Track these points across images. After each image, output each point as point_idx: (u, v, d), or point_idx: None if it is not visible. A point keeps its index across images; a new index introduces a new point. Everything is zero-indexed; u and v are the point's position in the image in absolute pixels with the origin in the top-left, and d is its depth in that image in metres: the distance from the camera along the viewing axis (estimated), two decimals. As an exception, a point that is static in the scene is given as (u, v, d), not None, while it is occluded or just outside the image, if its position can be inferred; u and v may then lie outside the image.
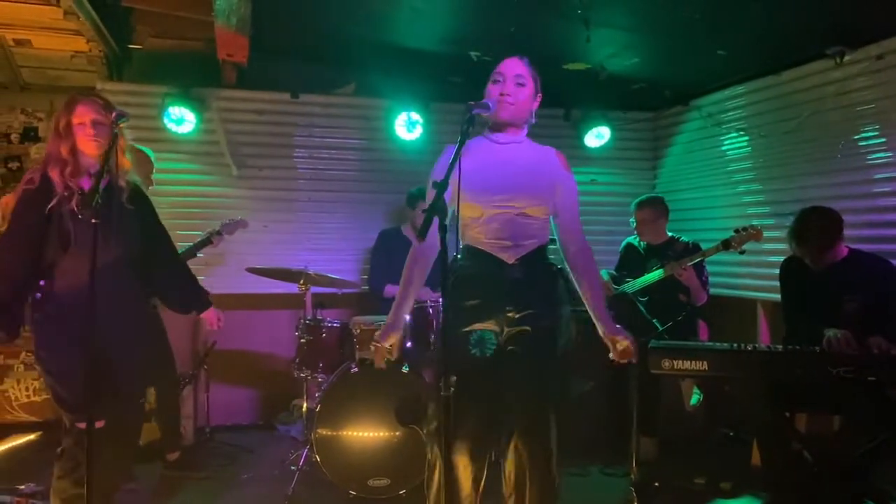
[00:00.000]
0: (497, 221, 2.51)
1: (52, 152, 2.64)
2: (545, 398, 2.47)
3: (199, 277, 4.49)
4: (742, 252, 3.95)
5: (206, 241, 4.32)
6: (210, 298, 3.16)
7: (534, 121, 2.66)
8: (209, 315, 3.16)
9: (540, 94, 2.63)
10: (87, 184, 2.64)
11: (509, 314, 2.52)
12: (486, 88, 2.58)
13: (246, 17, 3.91)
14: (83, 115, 2.63)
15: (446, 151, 2.64)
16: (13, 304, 2.60)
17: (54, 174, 2.61)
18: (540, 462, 2.46)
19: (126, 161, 2.77)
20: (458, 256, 2.64)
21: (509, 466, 2.54)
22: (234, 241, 4.49)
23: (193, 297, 3.12)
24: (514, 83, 2.53)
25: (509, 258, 2.53)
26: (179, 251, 4.16)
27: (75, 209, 2.57)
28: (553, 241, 2.71)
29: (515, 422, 2.49)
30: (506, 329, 2.53)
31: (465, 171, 2.36)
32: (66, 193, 2.59)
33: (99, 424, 2.57)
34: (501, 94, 2.51)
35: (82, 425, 2.53)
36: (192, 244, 4.29)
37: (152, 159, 4.09)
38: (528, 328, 2.50)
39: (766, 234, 3.96)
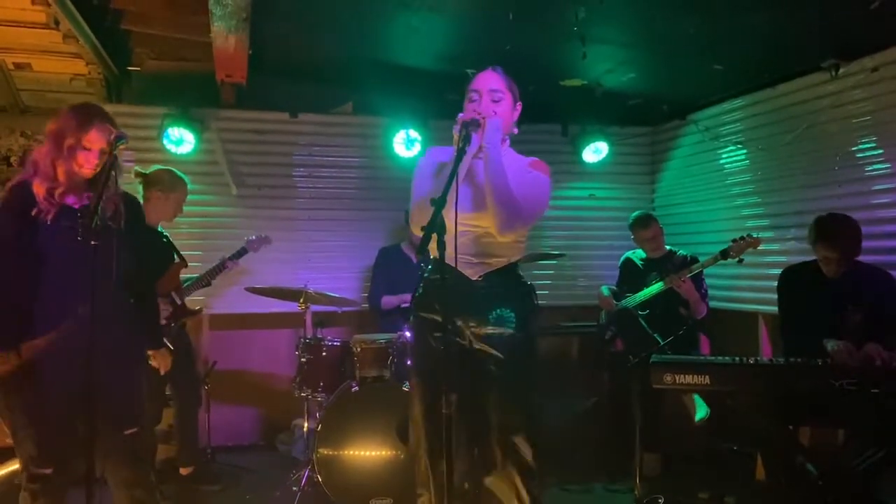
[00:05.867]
0: (464, 237, 2.49)
1: (45, 169, 2.48)
2: (515, 416, 2.48)
3: (198, 297, 4.54)
4: (741, 261, 3.95)
5: (220, 268, 4.31)
6: (164, 341, 2.97)
7: (516, 131, 2.62)
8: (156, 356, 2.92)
9: (520, 104, 2.61)
10: (72, 201, 2.51)
11: (473, 329, 2.52)
12: (464, 105, 2.56)
13: (244, 37, 3.93)
14: (94, 143, 2.49)
15: (428, 154, 2.66)
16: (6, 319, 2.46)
17: (39, 190, 2.46)
18: (517, 479, 2.46)
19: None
20: (428, 267, 2.64)
21: (488, 484, 2.53)
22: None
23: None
24: (490, 100, 2.51)
25: (473, 274, 2.53)
26: (188, 281, 4.19)
27: (49, 223, 2.44)
28: (526, 257, 2.71)
29: (490, 439, 2.49)
30: (472, 343, 2.53)
31: (437, 187, 2.34)
32: (47, 207, 2.45)
33: (46, 471, 2.44)
34: (479, 115, 2.44)
35: (46, 471, 2.43)
36: (198, 275, 4.28)
37: (187, 187, 4.08)
38: (492, 345, 2.49)
39: (765, 246, 3.96)
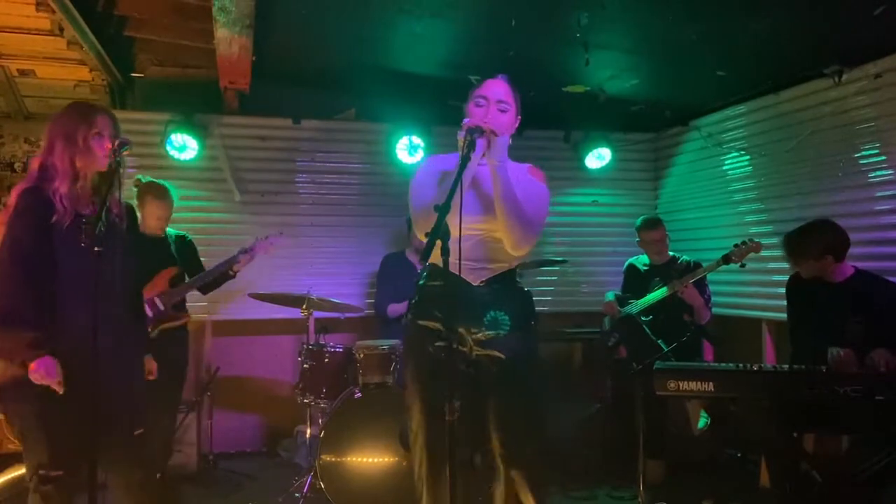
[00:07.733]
0: (468, 242, 2.47)
1: (64, 168, 2.45)
2: (519, 421, 2.47)
3: (202, 303, 4.55)
4: (742, 266, 3.95)
5: (234, 260, 4.24)
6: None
7: (510, 142, 2.60)
8: None
9: (519, 117, 2.60)
10: (84, 209, 2.48)
11: (475, 335, 2.48)
12: (468, 108, 2.54)
13: (247, 44, 3.94)
14: (103, 127, 2.50)
15: (429, 162, 2.65)
16: (37, 319, 2.38)
17: (62, 188, 2.43)
18: (524, 486, 2.44)
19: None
20: (424, 274, 2.61)
21: (497, 493, 2.52)
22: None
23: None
24: (497, 109, 2.50)
25: (475, 279, 2.51)
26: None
27: (66, 233, 2.42)
28: (529, 264, 2.68)
29: (499, 447, 2.46)
30: (474, 350, 2.49)
31: (441, 194, 2.33)
32: (63, 212, 2.42)
33: (59, 473, 2.42)
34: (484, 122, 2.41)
35: (58, 473, 2.41)
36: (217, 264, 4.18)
37: (173, 197, 3.98)
38: (496, 352, 2.47)
39: (768, 252, 3.96)
